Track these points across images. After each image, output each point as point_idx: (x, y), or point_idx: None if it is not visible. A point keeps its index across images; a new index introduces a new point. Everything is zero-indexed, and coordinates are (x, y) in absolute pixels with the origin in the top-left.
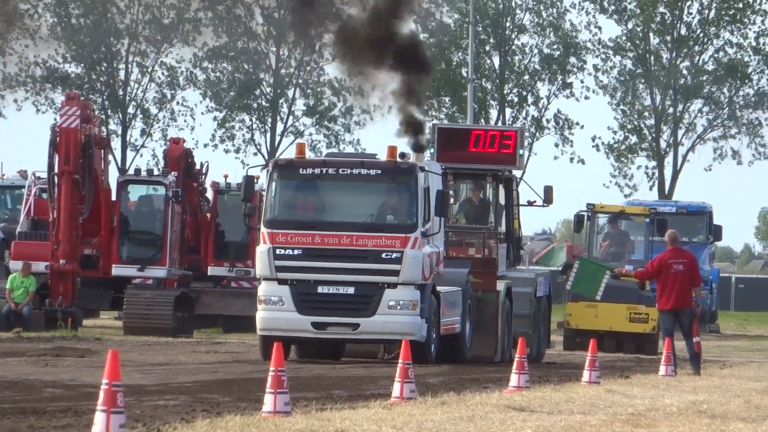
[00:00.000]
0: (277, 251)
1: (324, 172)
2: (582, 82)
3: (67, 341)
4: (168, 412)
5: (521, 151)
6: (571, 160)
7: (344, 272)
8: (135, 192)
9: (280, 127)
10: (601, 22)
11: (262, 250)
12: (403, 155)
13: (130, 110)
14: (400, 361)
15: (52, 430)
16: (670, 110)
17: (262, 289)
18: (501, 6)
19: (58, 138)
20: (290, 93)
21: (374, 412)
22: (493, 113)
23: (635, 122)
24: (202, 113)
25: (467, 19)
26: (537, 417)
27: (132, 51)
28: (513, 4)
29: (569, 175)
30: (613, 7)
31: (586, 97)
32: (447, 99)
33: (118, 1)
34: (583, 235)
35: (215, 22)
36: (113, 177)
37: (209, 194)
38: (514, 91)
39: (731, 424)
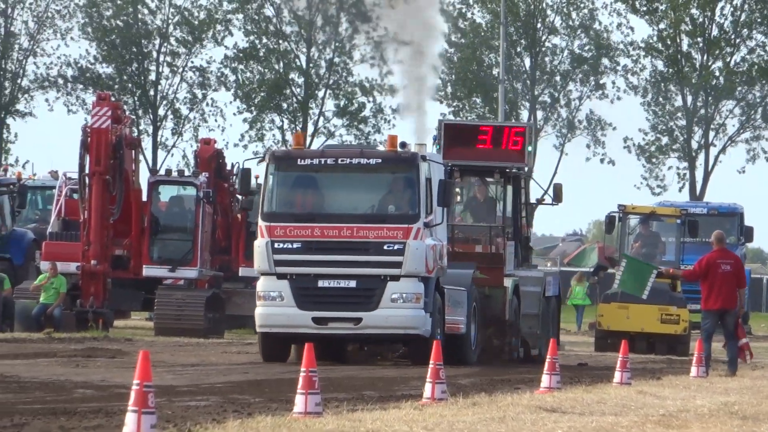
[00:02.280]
0: (276, 245)
1: (322, 162)
2: (614, 83)
3: (98, 342)
4: (199, 413)
5: (530, 149)
6: (602, 161)
7: (345, 265)
8: (166, 192)
9: (310, 128)
10: (633, 23)
11: (260, 244)
12: (403, 144)
13: (161, 111)
14: (431, 361)
15: (83, 431)
16: (702, 111)
17: (261, 285)
18: (532, 7)
19: (89, 138)
20: (320, 94)
21: (405, 412)
22: (525, 114)
23: (666, 123)
24: (234, 114)
25: (499, 20)
26: (569, 418)
27: (163, 51)
28: (544, 5)
29: (600, 176)
30: (644, 8)
31: (618, 98)
32: (478, 100)
33: (149, 1)
34: (615, 236)
35: (245, 24)
36: (144, 177)
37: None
38: (546, 91)
39: (763, 426)
